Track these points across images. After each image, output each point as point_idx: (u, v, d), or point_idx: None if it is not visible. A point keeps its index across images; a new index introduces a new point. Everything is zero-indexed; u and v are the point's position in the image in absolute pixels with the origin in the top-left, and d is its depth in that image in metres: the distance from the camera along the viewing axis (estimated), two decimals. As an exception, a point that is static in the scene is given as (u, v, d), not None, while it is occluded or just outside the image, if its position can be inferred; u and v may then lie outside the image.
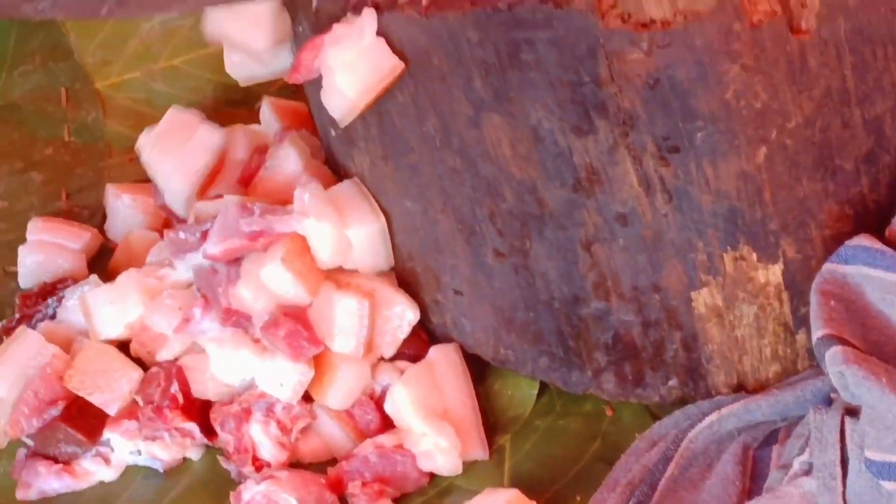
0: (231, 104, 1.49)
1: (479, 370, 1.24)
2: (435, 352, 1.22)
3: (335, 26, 1.07)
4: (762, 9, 1.00)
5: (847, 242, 1.10)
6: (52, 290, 1.35)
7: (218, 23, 1.23)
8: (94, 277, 1.33)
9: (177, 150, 1.38)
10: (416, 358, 1.22)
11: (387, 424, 1.21)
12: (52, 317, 1.32)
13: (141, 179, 1.43)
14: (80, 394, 1.23)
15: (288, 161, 1.30)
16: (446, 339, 1.25)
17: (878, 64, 1.07)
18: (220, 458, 1.22)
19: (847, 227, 1.12)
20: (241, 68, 1.28)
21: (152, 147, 1.39)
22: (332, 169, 1.29)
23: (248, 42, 1.24)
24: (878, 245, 1.09)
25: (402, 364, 1.21)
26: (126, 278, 1.29)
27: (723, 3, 0.98)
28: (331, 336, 1.19)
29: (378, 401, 1.21)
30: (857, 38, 1.05)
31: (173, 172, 1.39)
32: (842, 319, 1.08)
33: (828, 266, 1.10)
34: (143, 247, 1.37)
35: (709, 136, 1.03)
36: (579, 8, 0.98)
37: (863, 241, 1.10)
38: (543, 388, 1.22)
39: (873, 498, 1.05)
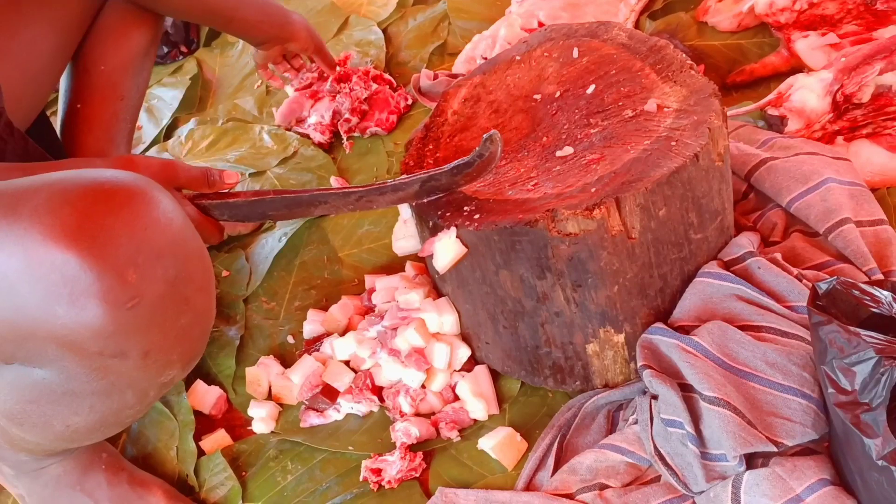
0: (396, 263, 1.47)
1: (495, 376, 1.29)
2: (477, 367, 1.29)
3: (439, 234, 1.14)
4: (614, 227, 1.07)
5: (651, 326, 1.17)
6: (319, 339, 1.40)
7: (401, 247, 1.30)
8: (336, 334, 1.38)
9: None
10: (469, 370, 1.29)
11: (456, 398, 1.28)
12: (318, 349, 1.38)
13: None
14: (329, 382, 1.32)
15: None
16: (481, 363, 1.30)
17: (666, 252, 1.13)
18: (386, 411, 1.30)
19: (652, 319, 1.18)
20: (401, 249, 1.36)
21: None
22: (437, 291, 1.33)
23: (409, 244, 1.31)
24: (665, 328, 1.15)
25: (463, 372, 1.29)
26: (348, 335, 1.34)
27: (598, 226, 1.05)
28: (434, 360, 1.26)
29: (453, 388, 1.28)
30: (656, 241, 1.11)
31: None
32: (649, 357, 1.14)
33: (644, 335, 1.17)
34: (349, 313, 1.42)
35: (594, 280, 1.11)
36: (540, 228, 1.06)
37: (658, 325, 1.16)
38: (523, 384, 1.28)
39: (665, 435, 1.09)
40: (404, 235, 1.40)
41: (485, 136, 1.11)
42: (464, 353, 1.29)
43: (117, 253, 0.83)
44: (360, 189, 1.16)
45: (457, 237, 1.13)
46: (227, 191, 1.18)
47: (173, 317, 0.92)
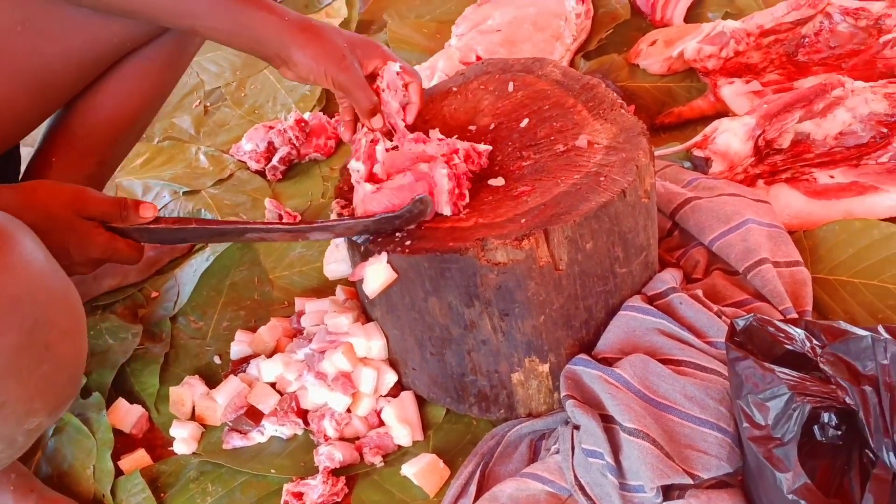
0: (326, 286, 1.46)
1: (421, 402, 1.28)
2: (403, 393, 1.28)
3: (370, 259, 1.12)
4: (542, 258, 1.08)
5: (576, 357, 1.17)
6: (246, 360, 1.38)
7: (331, 270, 1.26)
8: (263, 356, 1.36)
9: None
10: (395, 396, 1.28)
11: (381, 423, 1.27)
12: (244, 370, 1.36)
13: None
14: (254, 403, 1.29)
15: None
16: (408, 389, 1.29)
17: (592, 285, 1.14)
18: (310, 435, 1.28)
19: (576, 350, 1.19)
20: (331, 272, 1.35)
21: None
22: (366, 316, 1.31)
23: (340, 268, 1.28)
24: (589, 359, 1.16)
25: (389, 398, 1.27)
26: (276, 357, 1.33)
27: (527, 257, 1.06)
28: (360, 384, 1.25)
29: (378, 413, 1.27)
30: (583, 274, 1.12)
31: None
32: (572, 387, 1.14)
33: (568, 366, 1.17)
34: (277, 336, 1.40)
35: (521, 310, 1.11)
36: (470, 256, 1.06)
37: (582, 356, 1.17)
38: (448, 411, 1.28)
39: (585, 465, 1.09)
40: (335, 259, 1.39)
41: (416, 197, 1.11)
42: (390, 378, 1.28)
43: None
44: (284, 226, 1.16)
45: (387, 262, 1.13)
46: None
47: (31, 366, 0.86)
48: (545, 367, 1.20)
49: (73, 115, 1.31)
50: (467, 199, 1.14)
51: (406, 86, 1.20)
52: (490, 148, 1.20)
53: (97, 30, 1.18)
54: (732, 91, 1.63)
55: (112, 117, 1.31)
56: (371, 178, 1.15)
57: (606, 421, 1.10)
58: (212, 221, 1.16)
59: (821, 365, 0.93)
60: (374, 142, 1.16)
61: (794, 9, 1.73)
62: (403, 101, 1.20)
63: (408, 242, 1.12)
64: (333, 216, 1.21)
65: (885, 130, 1.48)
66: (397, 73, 1.18)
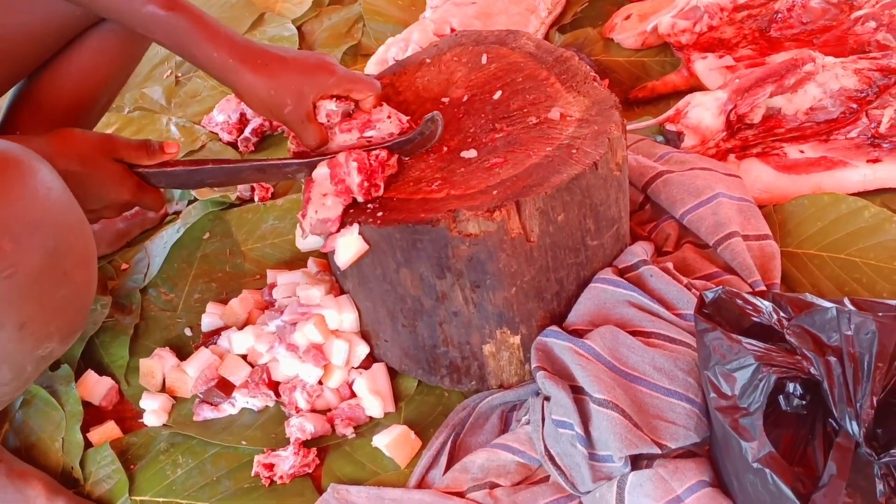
0: (299, 258, 1.45)
1: (393, 374, 1.28)
2: (375, 365, 1.28)
3: (342, 230, 1.13)
4: (514, 230, 1.08)
5: (546, 329, 1.18)
6: (217, 332, 1.37)
7: (304, 242, 1.24)
8: (234, 328, 1.35)
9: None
10: (367, 367, 1.28)
11: (353, 395, 1.27)
12: (215, 343, 1.35)
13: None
14: (225, 375, 1.29)
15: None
16: (380, 360, 1.29)
17: (563, 257, 1.15)
18: (282, 407, 1.28)
19: (547, 322, 1.19)
20: (304, 245, 1.30)
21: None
22: (339, 288, 1.31)
23: (312, 240, 1.19)
24: (559, 331, 1.17)
25: (361, 370, 1.27)
26: (247, 329, 1.33)
27: (498, 228, 1.06)
28: (332, 356, 1.25)
29: (350, 385, 1.27)
30: (554, 246, 1.13)
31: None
32: (542, 359, 1.15)
33: (539, 338, 1.17)
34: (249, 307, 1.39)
35: (492, 281, 1.11)
36: (441, 227, 1.06)
37: (553, 328, 1.17)
38: (420, 382, 1.28)
39: (555, 436, 1.10)
40: (312, 241, 1.36)
41: (426, 116, 1.16)
42: (362, 350, 1.28)
43: None
44: (297, 161, 1.16)
45: (359, 234, 1.12)
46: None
47: (51, 289, 0.90)
48: (516, 339, 1.20)
49: (38, 86, 1.31)
50: (381, 192, 1.14)
51: (358, 102, 1.19)
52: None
53: (58, 1, 1.18)
54: (705, 66, 1.64)
55: (77, 88, 1.31)
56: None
57: (576, 392, 1.10)
58: (227, 161, 1.17)
59: (787, 336, 0.94)
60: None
61: (767, -16, 1.73)
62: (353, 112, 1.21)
63: (379, 214, 1.12)
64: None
65: (854, 106, 1.50)
66: (334, 109, 1.17)
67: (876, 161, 1.42)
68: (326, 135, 1.17)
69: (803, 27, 1.71)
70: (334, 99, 1.16)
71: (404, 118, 1.20)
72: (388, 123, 1.18)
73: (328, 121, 1.17)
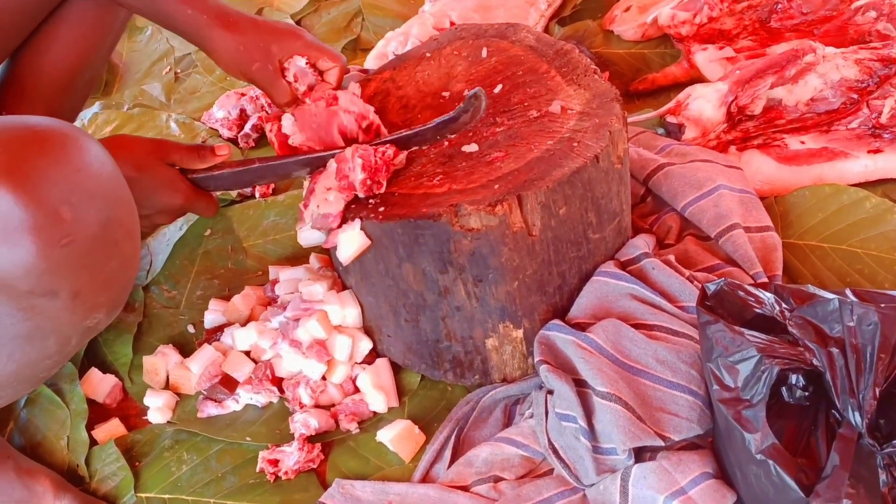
0: (301, 254, 1.43)
1: (396, 369, 1.29)
2: (378, 360, 1.29)
3: (344, 225, 1.13)
4: (516, 224, 1.08)
5: (549, 322, 1.18)
6: (220, 328, 1.37)
7: (305, 238, 1.23)
8: (237, 324, 1.35)
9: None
10: (370, 363, 1.28)
11: (357, 390, 1.27)
12: (218, 339, 1.35)
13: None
14: (228, 372, 1.29)
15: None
16: (383, 356, 1.29)
17: (565, 250, 1.15)
18: (285, 402, 1.28)
19: (550, 316, 1.19)
20: (306, 240, 1.25)
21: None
22: (341, 284, 1.31)
23: (314, 235, 1.20)
24: (562, 324, 1.17)
25: (364, 365, 1.28)
26: (250, 326, 1.32)
27: (500, 222, 1.06)
28: (335, 352, 1.25)
29: (354, 380, 1.27)
30: (556, 240, 1.13)
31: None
32: (545, 353, 1.15)
33: (542, 332, 1.17)
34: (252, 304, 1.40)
35: (494, 275, 1.11)
36: (443, 222, 1.06)
37: (555, 322, 1.18)
38: (423, 377, 1.28)
39: (559, 429, 1.10)
40: (315, 235, 1.35)
41: (468, 93, 1.16)
42: (365, 345, 1.28)
43: (51, 191, 0.84)
44: (339, 150, 1.17)
45: (361, 229, 1.13)
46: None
47: (104, 259, 0.92)
48: (519, 333, 1.20)
49: (19, 65, 1.32)
50: (383, 189, 1.15)
51: (324, 73, 1.24)
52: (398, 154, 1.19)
53: None
54: (706, 57, 1.64)
55: (57, 63, 1.32)
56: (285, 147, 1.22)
57: (579, 385, 1.10)
58: (272, 158, 1.18)
59: (789, 328, 0.94)
60: (279, 129, 1.23)
61: (767, -26, 1.73)
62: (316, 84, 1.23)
63: (381, 209, 1.12)
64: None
65: (855, 97, 1.50)
66: (304, 67, 1.21)
67: (877, 151, 1.42)
68: (296, 93, 1.21)
69: (803, 17, 1.71)
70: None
71: (370, 109, 1.21)
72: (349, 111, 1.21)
73: (297, 81, 1.20)
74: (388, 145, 1.17)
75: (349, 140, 1.22)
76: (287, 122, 1.21)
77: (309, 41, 1.21)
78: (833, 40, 1.62)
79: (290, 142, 1.22)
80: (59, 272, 0.87)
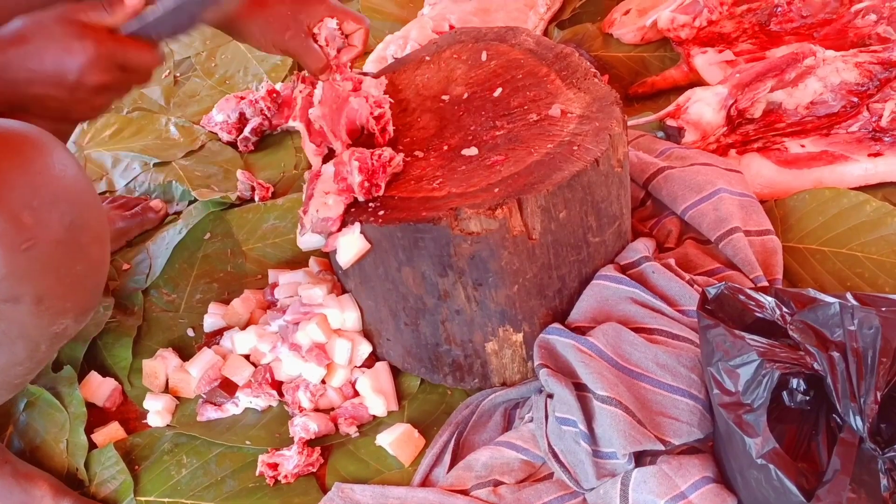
0: (300, 258, 1.43)
1: (396, 373, 1.29)
2: (378, 364, 1.29)
3: (343, 229, 1.13)
4: (516, 228, 1.08)
5: (549, 326, 1.18)
6: (220, 332, 1.37)
7: (305, 241, 1.19)
8: (237, 328, 1.35)
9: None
10: (370, 367, 1.29)
11: (356, 394, 1.27)
12: (218, 343, 1.35)
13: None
14: (228, 376, 1.30)
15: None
16: (382, 359, 1.30)
17: (565, 254, 1.15)
18: (285, 406, 1.28)
19: (550, 319, 1.20)
20: (305, 244, 1.22)
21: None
22: (340, 287, 1.31)
23: (313, 239, 1.18)
24: (562, 328, 1.17)
25: (364, 369, 1.28)
26: (249, 329, 1.33)
27: (500, 226, 1.06)
28: (334, 356, 1.26)
29: (353, 384, 1.27)
30: (556, 243, 1.13)
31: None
32: (545, 356, 1.15)
33: (541, 335, 1.18)
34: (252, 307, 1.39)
35: (494, 279, 1.12)
36: (443, 226, 1.07)
37: (555, 325, 1.18)
38: (423, 381, 1.28)
39: (559, 433, 1.11)
40: (315, 239, 1.35)
41: None
42: (365, 349, 1.28)
43: (11, 195, 0.82)
44: None
45: (361, 233, 1.13)
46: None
47: (68, 263, 0.90)
48: (519, 337, 1.20)
49: None
50: (382, 192, 1.14)
51: (349, 35, 1.20)
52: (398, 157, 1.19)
53: None
54: (705, 60, 1.64)
55: None
56: (311, 130, 1.20)
57: (579, 389, 1.11)
58: None
59: (790, 332, 0.94)
60: (309, 95, 1.21)
61: (767, -22, 1.73)
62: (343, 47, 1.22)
63: (381, 212, 1.12)
64: (306, 176, 1.22)
65: (855, 100, 1.50)
66: (335, 28, 1.19)
67: (877, 155, 1.42)
68: (329, 58, 1.18)
69: (803, 21, 1.71)
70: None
71: (387, 99, 1.22)
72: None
73: (328, 44, 1.18)
74: (383, 149, 1.16)
75: (353, 131, 1.22)
76: (318, 91, 1.20)
77: (332, 4, 1.18)
78: (833, 43, 1.62)
79: (309, 112, 1.20)
80: (21, 277, 0.86)
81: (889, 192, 1.41)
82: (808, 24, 1.71)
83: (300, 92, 1.23)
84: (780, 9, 1.71)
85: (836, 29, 1.67)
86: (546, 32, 1.87)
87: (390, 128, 1.22)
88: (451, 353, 1.23)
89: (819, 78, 1.50)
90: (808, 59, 1.49)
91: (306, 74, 1.25)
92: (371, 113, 1.21)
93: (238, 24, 1.14)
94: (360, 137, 1.24)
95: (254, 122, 1.79)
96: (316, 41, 1.17)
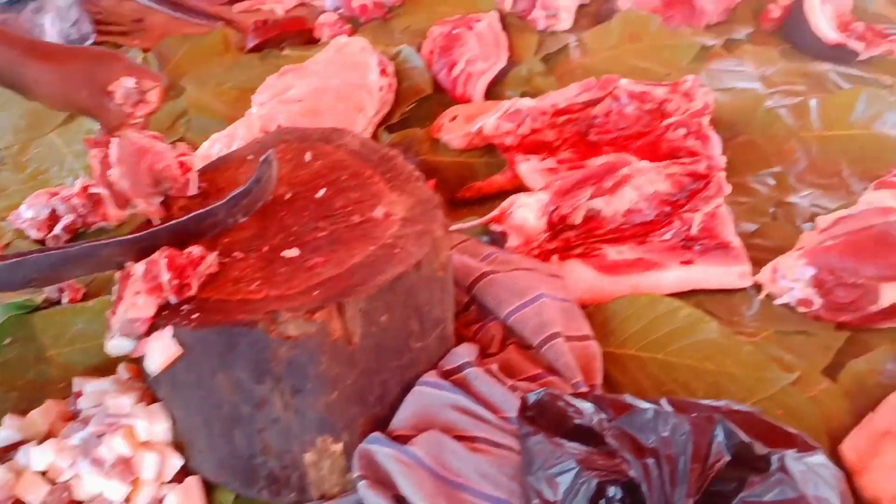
0: (112, 364, 1.32)
1: (209, 486, 1.23)
2: (188, 479, 1.22)
3: (154, 333, 1.08)
4: (336, 332, 1.05)
5: (370, 435, 1.15)
6: (15, 447, 1.25)
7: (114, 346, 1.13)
8: (34, 441, 1.24)
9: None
10: (180, 481, 1.22)
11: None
12: (11, 459, 1.23)
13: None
14: (20, 496, 1.18)
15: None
16: (194, 473, 1.23)
17: (387, 359, 1.14)
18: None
19: (371, 427, 1.17)
20: (114, 349, 1.14)
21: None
22: (152, 396, 1.25)
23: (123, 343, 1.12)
24: (382, 437, 1.14)
25: (173, 484, 1.21)
26: (47, 443, 1.22)
27: (319, 330, 1.04)
28: (141, 471, 1.19)
29: (161, 501, 1.19)
30: (377, 348, 1.11)
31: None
32: (365, 467, 1.12)
33: (361, 445, 1.15)
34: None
35: (313, 385, 1.09)
36: (260, 329, 1.04)
37: (376, 434, 1.15)
38: (237, 496, 1.22)
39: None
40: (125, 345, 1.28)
41: (261, 157, 1.16)
42: (175, 462, 1.21)
43: None
44: (135, 236, 1.12)
45: (173, 336, 1.08)
46: None
47: None
48: (338, 447, 1.17)
49: None
50: (193, 291, 1.10)
51: (145, 93, 1.21)
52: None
53: None
54: (529, 167, 1.69)
55: None
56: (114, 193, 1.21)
57: (400, 502, 1.08)
58: (54, 248, 1.08)
59: (607, 439, 0.95)
60: (105, 157, 1.20)
61: (585, 90, 1.82)
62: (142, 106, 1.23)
63: (195, 315, 1.07)
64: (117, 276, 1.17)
65: (668, 209, 1.57)
66: (132, 87, 1.19)
67: (689, 263, 1.48)
68: (125, 115, 1.19)
69: (620, 132, 1.79)
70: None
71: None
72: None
73: (124, 103, 1.18)
74: (194, 246, 1.13)
75: (157, 182, 1.23)
76: (113, 149, 1.19)
77: (129, 63, 1.18)
78: (648, 154, 1.69)
79: (108, 173, 1.19)
80: None
81: (701, 298, 1.46)
82: (625, 135, 1.79)
83: (94, 157, 1.21)
84: (598, 120, 1.79)
85: (650, 141, 1.76)
86: (375, 135, 1.89)
87: (195, 178, 1.24)
88: (268, 465, 1.17)
89: (634, 187, 1.56)
90: (624, 168, 1.56)
91: (96, 138, 1.22)
92: (177, 158, 1.22)
93: (27, 79, 1.11)
94: (167, 198, 1.26)
95: (66, 220, 1.71)
96: (112, 100, 1.18)
